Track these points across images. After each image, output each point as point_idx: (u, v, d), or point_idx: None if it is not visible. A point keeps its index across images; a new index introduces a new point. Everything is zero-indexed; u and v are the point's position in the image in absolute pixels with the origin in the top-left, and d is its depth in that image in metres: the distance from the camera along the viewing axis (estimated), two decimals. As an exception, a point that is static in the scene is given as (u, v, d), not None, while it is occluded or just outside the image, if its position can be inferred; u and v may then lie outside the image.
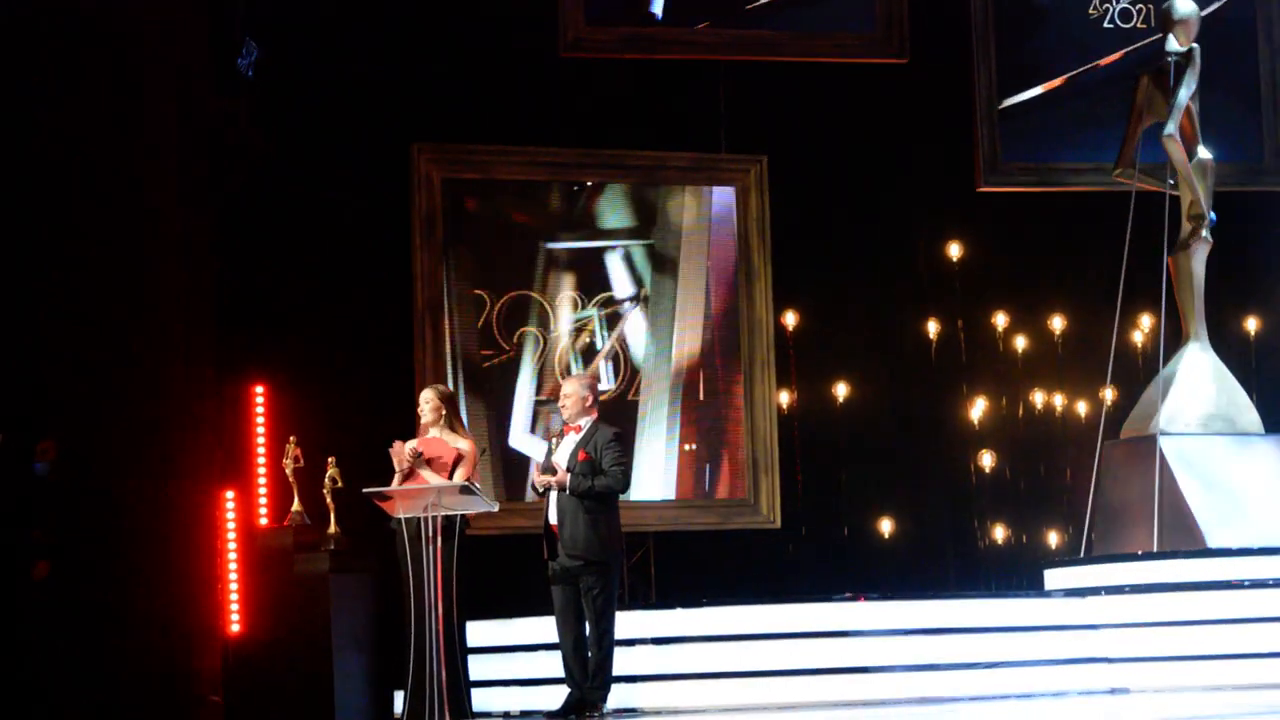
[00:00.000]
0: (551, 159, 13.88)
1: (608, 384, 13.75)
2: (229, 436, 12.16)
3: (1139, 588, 11.65)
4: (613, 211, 14.02)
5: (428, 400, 10.14)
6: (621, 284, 13.98)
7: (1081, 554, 12.59)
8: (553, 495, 9.75)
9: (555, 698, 10.09)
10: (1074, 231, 14.54)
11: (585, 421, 9.90)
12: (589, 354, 13.83)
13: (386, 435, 10.32)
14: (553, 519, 9.76)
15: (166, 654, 11.30)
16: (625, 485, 9.87)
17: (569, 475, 9.70)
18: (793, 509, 14.17)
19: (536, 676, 11.03)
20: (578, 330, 13.83)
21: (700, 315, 14.11)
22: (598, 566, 9.71)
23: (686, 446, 13.96)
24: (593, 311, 13.87)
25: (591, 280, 13.91)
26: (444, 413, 10.10)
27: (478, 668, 10.86)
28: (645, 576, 13.78)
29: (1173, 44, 13.01)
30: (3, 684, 10.74)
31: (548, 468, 9.76)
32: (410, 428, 10.39)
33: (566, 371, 13.50)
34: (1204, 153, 13.10)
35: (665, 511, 13.87)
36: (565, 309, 13.80)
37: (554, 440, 9.98)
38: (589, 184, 13.95)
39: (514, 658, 11.31)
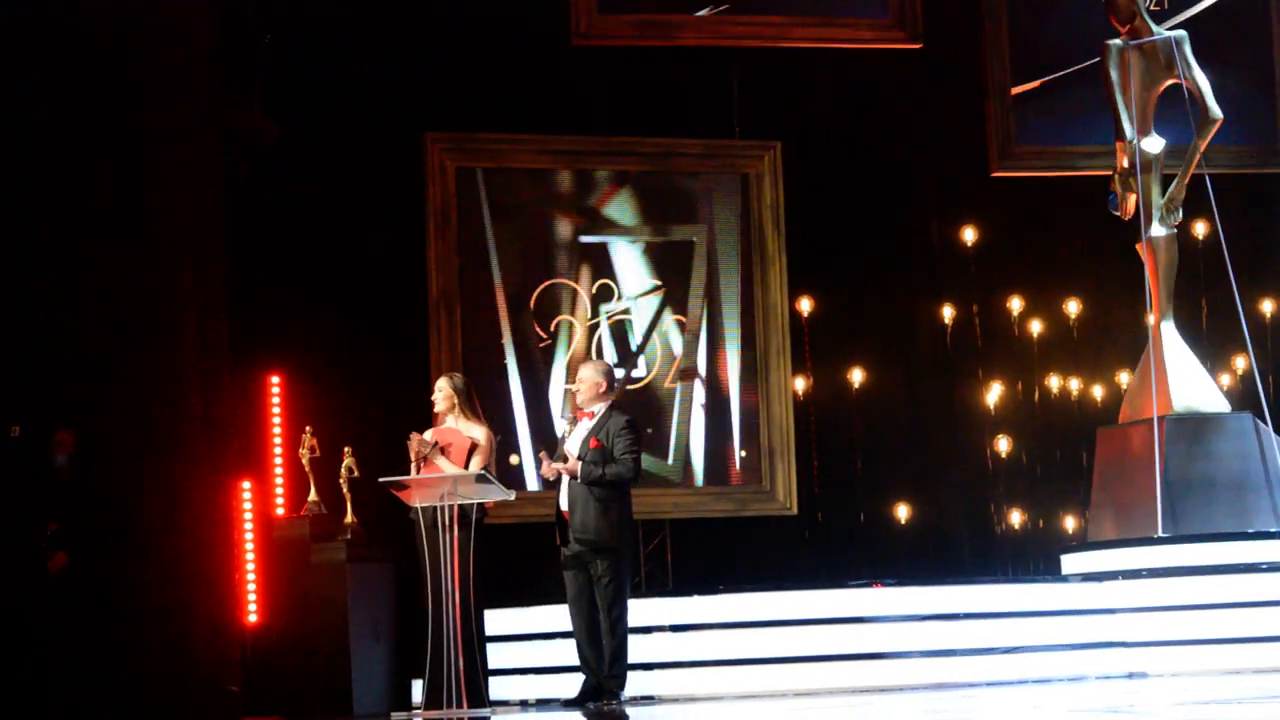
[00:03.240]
0: (565, 147, 13.89)
1: (641, 371, 13.81)
2: (245, 427, 12.19)
3: (1156, 571, 11.64)
4: (638, 200, 14.05)
5: (441, 389, 10.14)
6: (648, 273, 14.00)
7: (1159, 532, 12.25)
8: (564, 481, 9.75)
9: (572, 685, 10.10)
10: (1088, 215, 14.49)
11: (599, 408, 9.89)
12: (620, 342, 13.85)
13: (402, 425, 10.33)
14: (564, 505, 9.76)
15: (184, 644, 11.32)
16: (636, 474, 9.87)
17: (579, 464, 9.69)
18: (809, 495, 14.17)
19: (553, 664, 11.04)
20: (610, 319, 13.86)
21: (717, 303, 14.12)
22: (608, 553, 9.71)
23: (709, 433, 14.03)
24: (626, 302, 13.90)
25: (618, 270, 13.93)
26: (456, 402, 10.10)
27: (495, 656, 10.88)
28: (662, 563, 13.80)
29: (1155, 27, 12.97)
30: (21, 674, 10.78)
31: (558, 456, 9.75)
32: (426, 417, 10.39)
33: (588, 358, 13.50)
34: (1160, 140, 12.95)
35: (682, 498, 13.89)
36: (598, 297, 13.83)
37: (567, 426, 9.97)
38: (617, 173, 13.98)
39: (531, 646, 11.32)
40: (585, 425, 9.84)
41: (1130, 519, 12.36)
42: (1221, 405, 12.63)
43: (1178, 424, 12.43)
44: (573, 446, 9.81)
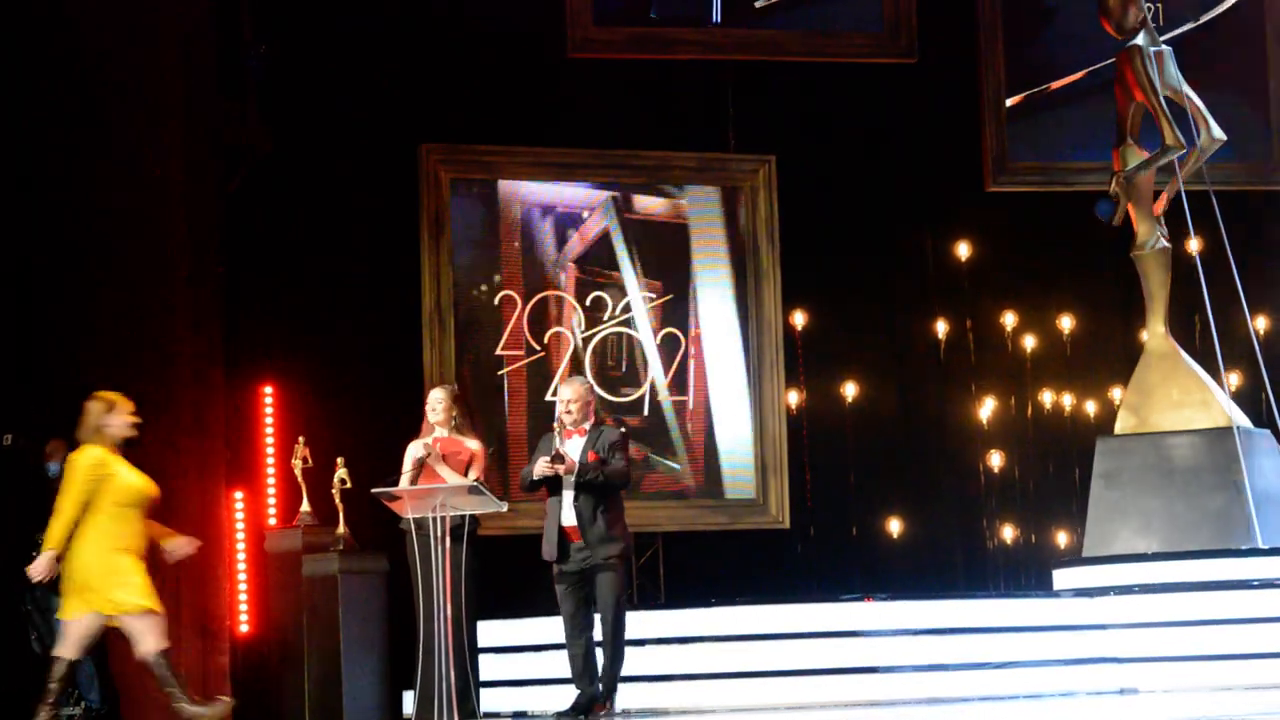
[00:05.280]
0: (560, 159, 13.88)
1: (639, 383, 13.82)
2: (238, 437, 12.18)
3: (1148, 588, 11.64)
4: (629, 213, 14.05)
5: (440, 401, 10.10)
6: (642, 285, 14.00)
7: (1259, 543, 11.95)
8: (567, 497, 9.69)
9: (564, 698, 10.09)
10: (1082, 231, 14.50)
11: (588, 424, 9.86)
12: (617, 355, 13.84)
13: (395, 435, 10.33)
14: (566, 521, 9.69)
15: (175, 654, 11.29)
16: (629, 479, 9.89)
17: (577, 463, 9.64)
18: (801, 509, 14.16)
19: (545, 676, 11.02)
20: (604, 331, 13.86)
21: (712, 316, 14.14)
22: (612, 565, 9.70)
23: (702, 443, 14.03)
24: (620, 314, 13.90)
25: (612, 282, 13.93)
26: (454, 414, 10.09)
27: (486, 668, 10.86)
28: (654, 577, 13.78)
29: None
30: (12, 683, 10.75)
31: (557, 457, 9.68)
32: (420, 427, 10.38)
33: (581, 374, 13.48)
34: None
35: (675, 511, 13.88)
36: (592, 309, 13.83)
37: (558, 438, 9.88)
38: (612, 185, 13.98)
39: (522, 658, 11.31)
40: (578, 441, 9.80)
41: (1178, 530, 12.20)
42: (1246, 420, 12.65)
43: (1249, 437, 12.41)
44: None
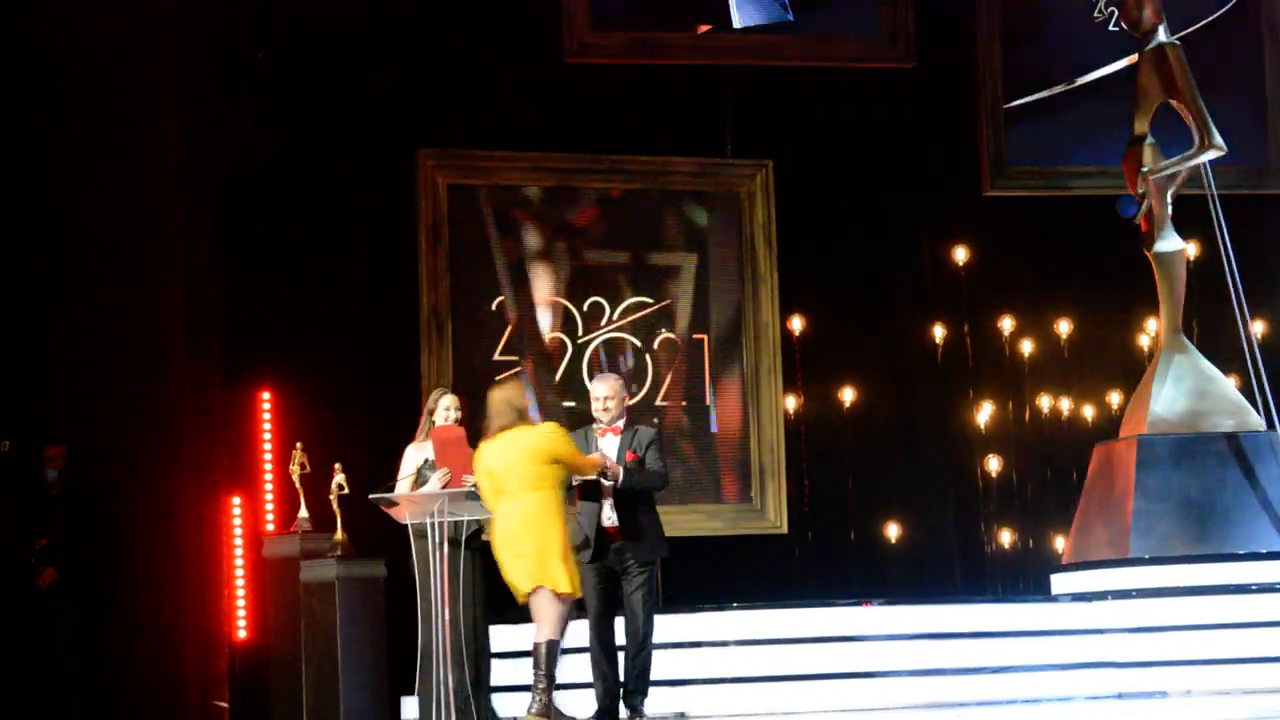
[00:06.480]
0: (557, 165, 13.87)
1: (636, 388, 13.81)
2: (235, 443, 12.18)
3: (1145, 592, 11.64)
4: (630, 218, 14.04)
5: (454, 404, 10.09)
6: (639, 291, 13.99)
7: None
8: (606, 500, 9.67)
9: (575, 701, 10.07)
10: (1080, 235, 14.52)
11: (622, 423, 9.83)
12: (614, 361, 13.83)
13: (393, 441, 10.31)
14: (607, 521, 9.65)
15: (173, 660, 11.32)
16: (669, 481, 9.99)
17: (620, 470, 9.60)
18: (799, 514, 14.16)
19: (559, 681, 10.99)
20: (603, 337, 13.85)
21: (709, 321, 14.13)
22: (650, 566, 9.71)
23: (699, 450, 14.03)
24: (617, 320, 13.90)
25: (610, 288, 13.92)
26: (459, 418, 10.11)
27: (499, 673, 10.81)
28: (651, 581, 13.75)
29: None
30: (11, 687, 10.77)
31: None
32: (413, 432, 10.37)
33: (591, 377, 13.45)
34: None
35: (672, 516, 13.83)
36: (590, 315, 13.82)
37: (594, 440, 9.82)
38: (609, 191, 13.97)
39: (522, 662, 11.27)
40: (612, 440, 9.74)
41: (1219, 531, 12.15)
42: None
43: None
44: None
